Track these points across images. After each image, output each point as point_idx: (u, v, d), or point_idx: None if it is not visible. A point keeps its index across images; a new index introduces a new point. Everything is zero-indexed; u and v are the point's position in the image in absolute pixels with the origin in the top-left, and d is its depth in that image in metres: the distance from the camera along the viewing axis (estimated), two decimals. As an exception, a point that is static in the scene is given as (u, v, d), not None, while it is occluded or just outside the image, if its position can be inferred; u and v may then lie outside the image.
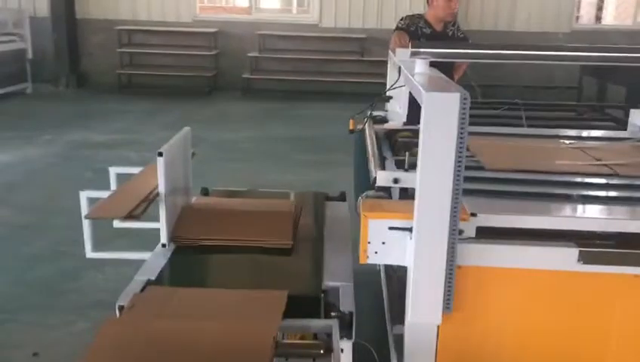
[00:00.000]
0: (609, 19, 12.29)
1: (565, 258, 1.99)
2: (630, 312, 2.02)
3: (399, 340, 2.37)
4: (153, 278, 2.42)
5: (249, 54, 11.20)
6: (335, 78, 11.08)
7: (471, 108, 1.85)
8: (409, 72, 2.57)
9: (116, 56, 11.39)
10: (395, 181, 2.15)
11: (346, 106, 10.74)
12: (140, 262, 2.53)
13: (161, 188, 2.62)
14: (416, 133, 2.11)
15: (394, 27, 4.79)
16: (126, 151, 7.18)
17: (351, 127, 3.04)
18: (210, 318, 2.06)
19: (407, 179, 2.13)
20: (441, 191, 1.90)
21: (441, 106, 1.85)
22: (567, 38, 10.65)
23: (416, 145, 2.17)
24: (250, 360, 1.83)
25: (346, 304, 2.27)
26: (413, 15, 4.76)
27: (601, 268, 1.97)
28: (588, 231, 2.02)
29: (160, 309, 2.12)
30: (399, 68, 2.67)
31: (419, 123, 1.87)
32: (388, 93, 3.31)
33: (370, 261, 2.08)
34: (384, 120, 3.27)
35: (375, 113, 3.41)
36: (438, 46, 4.14)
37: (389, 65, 3.43)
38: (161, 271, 2.47)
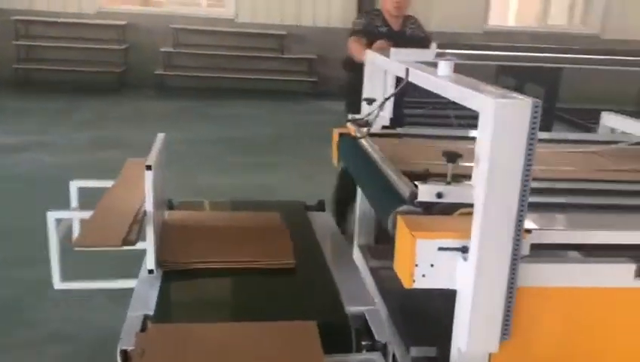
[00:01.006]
0: (511, 21, 12.83)
1: (624, 274, 1.88)
2: None
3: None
4: (151, 313, 2.08)
5: (162, 49, 10.62)
6: (253, 75, 10.76)
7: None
8: (421, 75, 2.39)
9: (12, 50, 10.40)
10: (439, 195, 1.95)
11: (265, 105, 10.54)
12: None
13: (149, 207, 2.28)
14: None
15: (347, 27, 4.50)
16: (39, 154, 6.51)
17: (353, 134, 2.80)
18: (244, 359, 1.77)
19: (451, 192, 1.94)
20: (507, 207, 1.72)
21: (511, 115, 1.67)
22: (480, 39, 10.98)
23: (459, 155, 2.00)
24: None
25: (380, 332, 2.06)
26: (370, 11, 4.54)
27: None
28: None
29: (179, 353, 1.80)
30: (406, 70, 2.47)
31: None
32: (370, 96, 3.11)
33: (417, 285, 1.87)
34: (366, 123, 3.07)
35: (352, 117, 3.21)
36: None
37: (367, 69, 3.22)
38: (158, 304, 2.13)
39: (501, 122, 1.67)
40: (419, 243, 1.83)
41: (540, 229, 1.88)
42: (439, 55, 2.22)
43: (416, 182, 1.99)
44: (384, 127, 3.20)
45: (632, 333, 1.94)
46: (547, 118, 2.74)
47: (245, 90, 10.58)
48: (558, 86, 8.20)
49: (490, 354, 1.89)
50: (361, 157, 2.64)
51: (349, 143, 2.94)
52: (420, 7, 10.97)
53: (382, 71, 3.19)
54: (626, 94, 8.34)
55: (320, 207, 3.25)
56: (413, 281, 1.87)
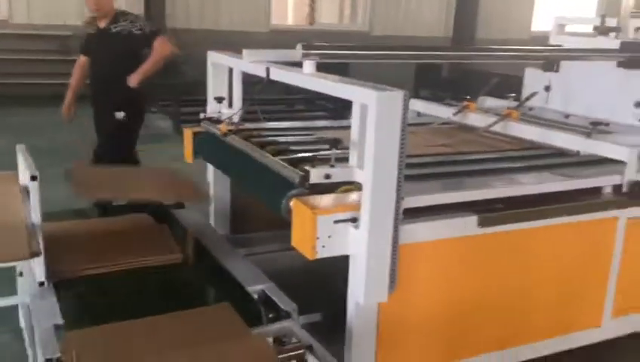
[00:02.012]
0: (290, 20, 13.59)
1: (470, 224, 2.39)
2: (529, 259, 2.59)
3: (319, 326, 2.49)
4: (60, 322, 2.08)
5: None
6: (34, 80, 10.00)
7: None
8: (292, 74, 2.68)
9: None
10: (327, 177, 2.26)
11: (49, 111, 9.76)
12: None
13: (36, 218, 2.25)
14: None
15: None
16: None
17: (222, 131, 2.97)
18: (179, 349, 1.90)
19: (336, 174, 2.26)
20: (389, 180, 2.10)
21: (387, 104, 2.04)
22: (266, 37, 11.54)
23: (340, 141, 2.33)
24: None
25: (284, 303, 2.32)
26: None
27: (497, 228, 2.43)
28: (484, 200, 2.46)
29: (112, 352, 1.87)
30: (267, 69, 2.73)
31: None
32: (219, 95, 3.30)
33: (319, 256, 2.17)
34: (218, 120, 3.26)
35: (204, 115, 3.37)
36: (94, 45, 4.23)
37: (211, 69, 3.39)
38: (64, 313, 2.13)
39: (382, 110, 2.04)
40: (319, 219, 2.13)
41: (408, 196, 2.28)
42: (305, 55, 2.52)
43: (306, 167, 2.28)
44: (237, 123, 3.39)
45: (481, 270, 2.47)
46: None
47: (25, 97, 9.78)
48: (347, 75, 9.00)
49: (379, 304, 2.27)
50: (232, 152, 2.84)
51: (210, 140, 3.11)
52: (209, 8, 11.26)
53: (226, 70, 3.36)
54: (404, 81, 9.51)
55: (180, 204, 3.37)
56: (316, 253, 2.16)
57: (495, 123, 3.33)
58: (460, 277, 2.45)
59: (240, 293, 2.38)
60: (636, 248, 2.84)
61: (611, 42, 3.56)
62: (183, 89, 8.41)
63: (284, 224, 2.33)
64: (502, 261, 2.53)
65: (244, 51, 3.04)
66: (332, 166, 2.28)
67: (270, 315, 2.28)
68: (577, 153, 3.05)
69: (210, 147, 3.13)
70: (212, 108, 3.34)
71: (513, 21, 13.68)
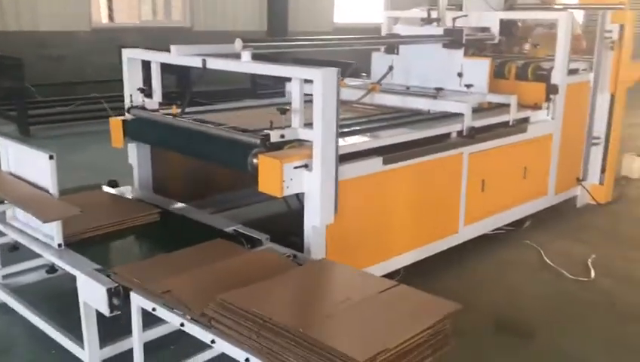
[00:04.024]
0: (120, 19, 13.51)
1: (378, 163, 3.35)
2: (414, 185, 3.60)
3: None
4: (99, 267, 2.63)
5: None
6: None
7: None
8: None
9: None
10: (282, 136, 3.05)
11: None
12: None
13: (54, 190, 2.75)
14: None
15: None
16: None
17: (173, 112, 3.56)
18: (206, 266, 2.56)
19: (289, 133, 3.07)
20: (332, 136, 2.96)
21: (329, 78, 2.89)
22: (88, 36, 11.52)
23: (288, 109, 3.13)
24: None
25: (258, 234, 3.08)
26: None
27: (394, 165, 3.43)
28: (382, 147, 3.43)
29: (159, 275, 2.48)
30: (203, 60, 3.39)
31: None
32: (142, 87, 3.87)
33: (285, 193, 2.97)
34: (143, 107, 3.84)
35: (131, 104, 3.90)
36: None
37: (127, 63, 3.90)
38: (96, 262, 2.67)
39: (326, 83, 2.87)
40: (285, 166, 2.92)
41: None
42: (245, 47, 3.24)
43: (265, 130, 3.04)
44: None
45: (387, 198, 3.45)
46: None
47: None
48: (189, 72, 9.59)
49: (327, 226, 3.12)
50: (182, 131, 3.47)
51: (147, 124, 3.68)
52: (25, 8, 10.93)
53: (139, 64, 3.91)
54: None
55: (115, 184, 3.89)
56: (283, 192, 2.95)
57: (365, 95, 4.35)
58: (375, 201, 3.40)
59: (218, 234, 3.08)
60: (475, 173, 4.04)
61: (436, 29, 4.75)
62: (17, 92, 8.30)
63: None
64: (400, 187, 3.54)
65: (173, 47, 3.66)
66: (283, 128, 3.09)
67: (249, 246, 3.03)
68: (428, 112, 4.18)
69: (148, 129, 3.69)
70: (139, 99, 3.90)
71: (318, 15, 15.14)
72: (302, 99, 3.13)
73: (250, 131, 3.21)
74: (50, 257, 2.78)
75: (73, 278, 2.63)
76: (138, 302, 2.40)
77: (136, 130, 3.78)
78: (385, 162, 3.40)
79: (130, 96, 3.89)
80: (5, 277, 3.21)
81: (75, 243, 2.86)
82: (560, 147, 4.85)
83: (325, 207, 3.02)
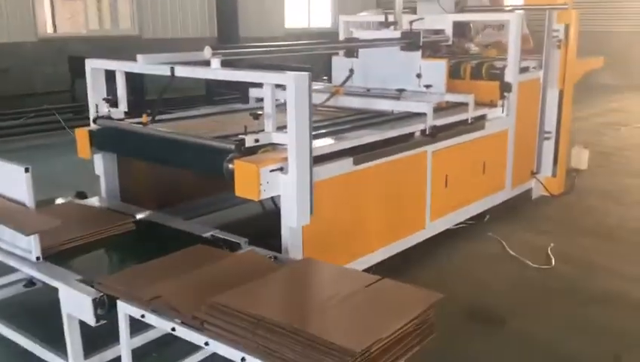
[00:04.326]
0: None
1: (349, 164, 3.44)
2: (383, 184, 3.70)
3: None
4: (81, 277, 2.63)
5: None
6: None
7: None
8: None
9: None
10: (256, 140, 3.11)
11: None
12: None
13: (31, 203, 2.73)
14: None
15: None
16: None
17: (144, 122, 3.55)
18: (193, 270, 2.59)
19: (263, 138, 3.13)
20: (306, 139, 3.03)
21: (301, 82, 2.96)
22: (35, 46, 11.25)
23: (260, 114, 3.19)
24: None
25: (236, 238, 3.12)
26: None
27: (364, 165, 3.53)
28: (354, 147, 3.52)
29: (144, 282, 2.50)
30: (171, 68, 3.41)
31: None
32: (107, 96, 3.86)
33: (262, 197, 3.02)
34: (109, 116, 3.83)
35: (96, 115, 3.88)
36: None
37: (90, 74, 3.88)
38: (79, 273, 2.67)
39: (298, 87, 2.95)
40: (261, 171, 2.98)
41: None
42: (214, 55, 3.28)
43: (240, 136, 3.09)
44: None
45: (358, 197, 3.55)
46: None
47: None
48: (143, 79, 9.50)
49: (303, 226, 3.19)
50: (153, 139, 3.48)
51: (115, 133, 3.67)
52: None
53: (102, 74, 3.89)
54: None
55: (84, 195, 3.86)
56: (260, 195, 3.01)
57: (329, 98, 4.45)
58: (347, 200, 3.49)
59: (196, 240, 3.11)
60: (438, 170, 4.18)
61: (393, 33, 4.89)
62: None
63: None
64: (370, 186, 3.64)
65: (140, 56, 3.67)
66: (256, 133, 3.14)
67: (227, 250, 3.07)
68: (392, 112, 4.31)
69: (117, 139, 3.69)
70: (104, 109, 3.88)
71: (269, 20, 15.18)
72: (274, 104, 3.20)
73: (223, 137, 3.25)
74: (28, 271, 2.76)
75: (51, 291, 2.63)
76: (125, 309, 2.42)
77: (105, 140, 3.77)
78: (355, 162, 3.50)
79: (96, 106, 3.88)
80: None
81: (52, 256, 2.84)
82: (515, 142, 5.07)
83: (302, 208, 3.09)
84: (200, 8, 14.15)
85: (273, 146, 3.20)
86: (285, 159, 3.05)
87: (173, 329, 2.30)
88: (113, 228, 3.15)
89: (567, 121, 5.57)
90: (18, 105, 9.12)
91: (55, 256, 2.85)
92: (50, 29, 12.98)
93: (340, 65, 5.19)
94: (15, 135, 8.21)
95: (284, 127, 3.04)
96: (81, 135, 3.84)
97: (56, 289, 2.60)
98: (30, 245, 2.75)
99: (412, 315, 2.13)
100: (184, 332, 2.27)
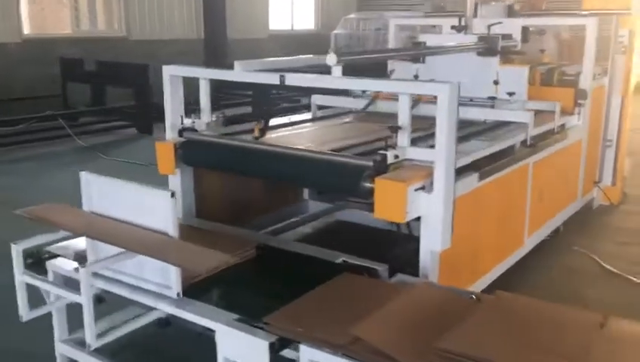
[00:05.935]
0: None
1: (474, 180, 3.19)
2: (500, 199, 3.48)
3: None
4: (238, 317, 2.30)
5: None
6: None
7: None
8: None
9: None
10: (396, 157, 2.81)
11: None
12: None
13: (174, 231, 2.39)
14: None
15: None
16: None
17: (256, 134, 3.21)
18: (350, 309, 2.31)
19: (402, 154, 2.84)
20: (453, 155, 2.77)
21: (454, 94, 2.69)
22: (20, 47, 10.62)
23: (399, 127, 2.89)
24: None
25: (375, 264, 2.82)
26: None
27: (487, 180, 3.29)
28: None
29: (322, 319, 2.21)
30: (281, 77, 3.08)
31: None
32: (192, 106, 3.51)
33: (407, 218, 2.75)
34: (193, 128, 3.48)
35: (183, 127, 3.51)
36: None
37: (169, 85, 3.51)
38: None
39: (452, 100, 2.68)
40: (409, 190, 2.70)
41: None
42: (339, 61, 2.96)
43: (380, 152, 2.80)
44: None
45: (480, 215, 3.30)
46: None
47: None
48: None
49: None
50: (265, 154, 3.15)
51: (210, 146, 3.33)
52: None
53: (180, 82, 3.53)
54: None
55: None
56: (405, 216, 2.73)
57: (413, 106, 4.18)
58: (471, 218, 3.22)
59: (329, 267, 2.79)
60: (537, 183, 3.98)
61: (466, 37, 4.66)
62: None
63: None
64: (488, 203, 3.40)
65: (237, 62, 3.32)
66: (393, 148, 2.85)
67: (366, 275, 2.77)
68: (484, 121, 4.07)
69: (216, 154, 3.33)
70: (186, 120, 3.52)
71: (254, 22, 14.81)
72: (410, 116, 2.91)
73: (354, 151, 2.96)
74: (168, 309, 2.39)
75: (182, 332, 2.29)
76: (311, 355, 2.10)
77: (197, 154, 3.40)
78: (480, 178, 3.25)
79: (181, 117, 3.51)
80: (100, 336, 2.66)
81: (185, 291, 2.49)
82: (587, 151, 4.93)
83: (446, 230, 2.83)
84: (187, 9, 13.67)
85: (401, 163, 2.91)
86: (426, 176, 2.78)
87: (380, 380, 2.00)
88: (236, 256, 2.80)
89: (626, 129, 5.46)
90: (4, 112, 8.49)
91: (188, 290, 2.50)
92: (36, 30, 12.29)
93: (402, 70, 4.94)
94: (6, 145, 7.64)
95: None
96: (165, 149, 3.46)
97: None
98: (168, 279, 2.40)
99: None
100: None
